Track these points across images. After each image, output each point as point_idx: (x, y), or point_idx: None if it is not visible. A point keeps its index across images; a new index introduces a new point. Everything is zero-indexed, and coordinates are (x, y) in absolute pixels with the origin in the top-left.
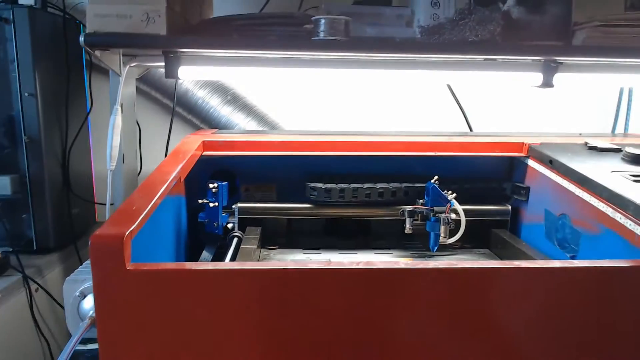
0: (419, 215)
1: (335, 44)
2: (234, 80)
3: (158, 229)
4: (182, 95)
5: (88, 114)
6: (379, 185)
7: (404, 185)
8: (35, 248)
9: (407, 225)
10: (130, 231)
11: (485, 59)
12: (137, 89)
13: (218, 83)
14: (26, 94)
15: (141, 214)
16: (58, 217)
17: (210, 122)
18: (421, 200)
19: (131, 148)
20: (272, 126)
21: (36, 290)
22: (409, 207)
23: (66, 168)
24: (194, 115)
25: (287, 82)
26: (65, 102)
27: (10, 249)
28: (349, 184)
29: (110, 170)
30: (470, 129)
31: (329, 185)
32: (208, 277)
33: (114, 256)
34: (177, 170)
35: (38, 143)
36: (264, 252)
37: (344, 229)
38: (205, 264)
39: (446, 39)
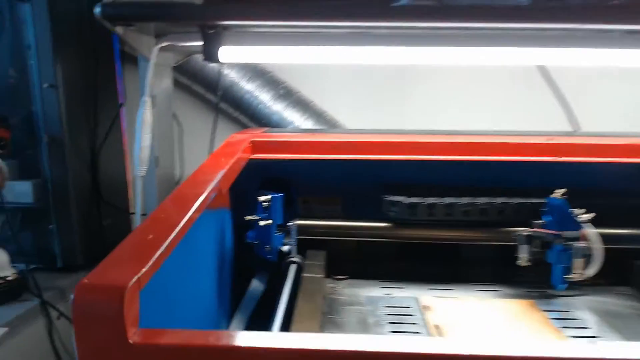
0: (538, 241)
1: (424, 10)
2: (287, 70)
3: (190, 254)
4: (228, 88)
5: (120, 107)
6: (480, 200)
7: (515, 200)
8: (60, 265)
9: (523, 255)
10: (139, 278)
11: (627, 31)
12: (177, 81)
13: (268, 75)
14: (46, 85)
15: (159, 248)
16: (86, 229)
17: (259, 120)
18: (539, 221)
19: (167, 149)
20: (332, 125)
21: (58, 317)
22: (525, 231)
23: (95, 172)
24: (241, 112)
25: (353, 69)
26: (94, 95)
27: (31, 266)
28: (440, 197)
29: (140, 177)
30: (577, 128)
31: (413, 200)
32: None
33: (110, 321)
34: (217, 179)
35: (61, 143)
36: (330, 283)
37: (431, 254)
38: (252, 336)
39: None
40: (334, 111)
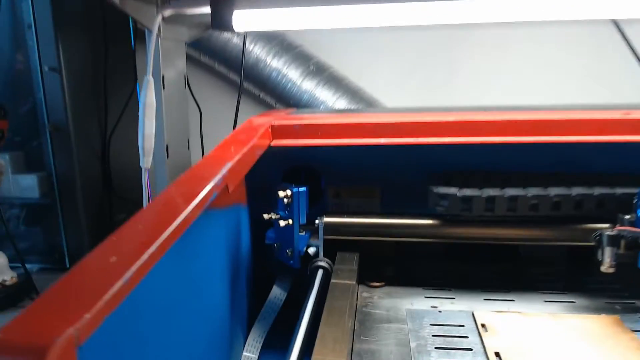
0: (625, 241)
1: None
2: (318, 42)
3: (184, 267)
4: (252, 66)
5: (132, 91)
6: (552, 191)
7: (596, 190)
8: (68, 266)
9: (607, 259)
10: (77, 329)
11: None
12: (197, 61)
13: (297, 49)
14: (47, 69)
15: (121, 276)
16: (96, 225)
17: (287, 100)
18: (628, 217)
19: (181, 137)
20: (369, 103)
21: None
22: (608, 230)
23: (106, 162)
24: (267, 92)
25: (394, 37)
26: (103, 79)
27: (37, 267)
28: (501, 188)
29: (146, 169)
30: None
31: (467, 192)
32: None
33: None
34: (220, 175)
35: (66, 132)
36: (364, 291)
37: (487, 257)
38: None
39: None
40: (371, 87)
